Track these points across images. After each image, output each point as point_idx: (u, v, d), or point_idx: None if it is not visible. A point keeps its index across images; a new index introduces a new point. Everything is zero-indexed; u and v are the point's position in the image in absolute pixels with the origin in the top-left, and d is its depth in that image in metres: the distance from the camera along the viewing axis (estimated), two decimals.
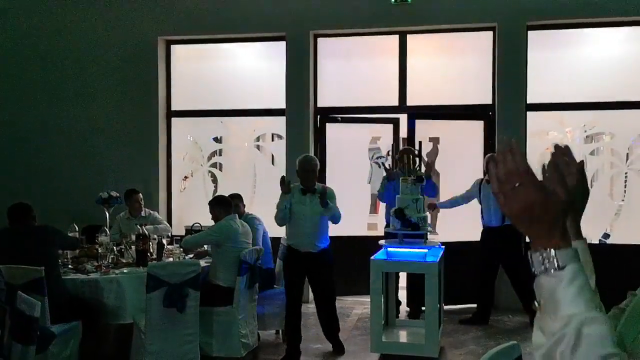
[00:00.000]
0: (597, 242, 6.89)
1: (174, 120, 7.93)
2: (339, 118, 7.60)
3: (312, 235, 5.16)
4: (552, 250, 1.02)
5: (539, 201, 1.01)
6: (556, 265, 1.01)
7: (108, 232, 5.63)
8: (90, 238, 5.69)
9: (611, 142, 7.25)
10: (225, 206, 5.25)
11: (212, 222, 5.29)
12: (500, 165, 1.04)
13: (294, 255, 5.21)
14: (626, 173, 7.04)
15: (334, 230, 7.34)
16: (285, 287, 5.31)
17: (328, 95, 7.61)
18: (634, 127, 7.03)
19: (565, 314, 0.99)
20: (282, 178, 5.19)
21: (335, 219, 5.31)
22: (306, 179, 5.18)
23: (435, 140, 7.68)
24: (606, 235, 7.03)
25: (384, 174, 6.56)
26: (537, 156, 7.14)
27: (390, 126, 7.75)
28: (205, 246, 5.51)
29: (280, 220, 5.18)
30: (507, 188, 1.03)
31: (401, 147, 7.66)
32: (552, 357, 0.98)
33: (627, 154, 7.03)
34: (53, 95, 7.92)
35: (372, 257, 5.25)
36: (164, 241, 5.68)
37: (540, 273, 1.03)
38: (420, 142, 7.08)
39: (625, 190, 7.06)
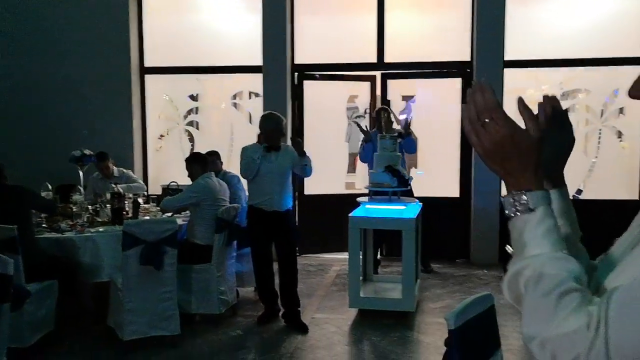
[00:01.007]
0: (571, 198, 6.97)
1: (147, 77, 7.76)
2: (317, 75, 7.52)
3: (280, 194, 4.99)
4: (523, 193, 1.02)
5: (509, 135, 1.01)
6: (526, 207, 1.01)
7: (82, 190, 5.56)
8: (64, 197, 5.61)
9: (586, 99, 7.28)
10: (202, 163, 5.21)
11: (188, 181, 5.25)
12: (471, 104, 1.03)
13: (259, 216, 4.99)
14: (600, 130, 7.11)
15: (311, 189, 7.41)
16: (253, 249, 5.12)
17: (306, 52, 7.50)
18: (610, 84, 7.06)
19: (530, 254, 1.00)
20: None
21: (308, 170, 5.12)
22: (274, 137, 4.94)
23: (409, 99, 7.66)
24: (579, 191, 7.15)
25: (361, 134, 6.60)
26: (513, 113, 7.17)
27: (367, 84, 7.71)
28: None
29: (250, 171, 4.92)
30: (478, 125, 1.03)
31: (378, 105, 7.66)
32: (518, 284, 1.01)
33: (602, 110, 7.09)
34: (22, 52, 7.68)
35: (350, 214, 5.27)
36: (140, 200, 5.63)
37: (511, 215, 1.03)
38: (389, 101, 7.08)
39: (598, 147, 7.14)
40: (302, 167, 5.04)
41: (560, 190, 1.23)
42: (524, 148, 1.02)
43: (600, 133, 7.11)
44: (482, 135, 1.03)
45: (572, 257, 0.99)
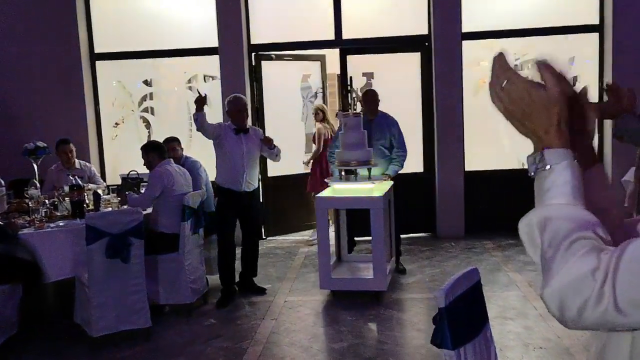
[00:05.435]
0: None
1: (98, 63, 7.47)
2: (272, 56, 7.37)
3: (249, 174, 5.19)
4: (543, 151, 1.04)
5: (526, 91, 1.03)
6: (545, 164, 1.03)
7: (38, 184, 5.32)
8: (19, 192, 5.36)
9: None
10: (159, 151, 5.06)
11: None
12: (493, 73, 1.08)
13: (227, 196, 5.18)
14: None
15: (273, 170, 7.30)
16: (219, 229, 5.25)
17: (262, 31, 7.33)
18: (565, 53, 7.14)
19: (547, 204, 1.01)
20: (201, 96, 5.09)
21: (277, 158, 5.36)
22: (239, 118, 5.17)
23: (368, 76, 7.60)
24: None
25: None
26: (472, 85, 7.21)
27: (318, 63, 7.65)
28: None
29: (202, 129, 5.10)
30: (498, 89, 1.06)
31: (335, 83, 7.61)
32: (533, 233, 1.02)
33: None
34: None
35: (317, 195, 5.20)
36: (100, 191, 5.43)
37: (532, 174, 1.06)
38: (350, 78, 6.99)
39: None
40: (270, 153, 5.28)
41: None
42: (542, 104, 1.02)
43: None
44: (502, 97, 1.06)
45: (585, 209, 0.98)
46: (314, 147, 7.25)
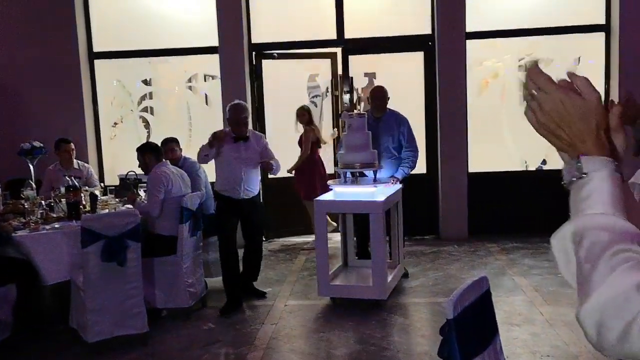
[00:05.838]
0: (534, 169, 6.97)
1: (97, 62, 7.37)
2: (275, 54, 7.26)
3: (247, 182, 5.05)
4: (579, 159, 0.93)
5: (559, 101, 0.93)
6: (580, 172, 0.93)
7: (34, 185, 5.22)
8: (15, 193, 5.26)
9: (546, 69, 7.21)
10: (156, 153, 4.97)
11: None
12: (524, 84, 0.99)
13: (227, 203, 5.04)
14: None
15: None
16: (220, 236, 5.10)
17: (263, 30, 7.23)
18: (571, 52, 7.04)
19: (584, 214, 0.91)
20: (220, 132, 5.00)
21: (276, 172, 5.27)
22: (238, 129, 5.03)
23: (371, 76, 7.49)
24: (544, 162, 7.12)
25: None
26: (476, 86, 7.11)
27: (327, 62, 7.49)
28: (142, 194, 5.24)
29: (202, 161, 5.09)
30: (530, 100, 0.96)
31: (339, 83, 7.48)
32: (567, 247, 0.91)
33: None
34: None
35: (316, 198, 5.08)
36: (97, 192, 5.33)
37: (569, 183, 0.95)
38: (351, 78, 6.86)
39: None
40: (268, 171, 5.25)
41: None
42: (578, 113, 0.93)
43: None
44: (534, 108, 0.95)
45: (625, 220, 0.87)
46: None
